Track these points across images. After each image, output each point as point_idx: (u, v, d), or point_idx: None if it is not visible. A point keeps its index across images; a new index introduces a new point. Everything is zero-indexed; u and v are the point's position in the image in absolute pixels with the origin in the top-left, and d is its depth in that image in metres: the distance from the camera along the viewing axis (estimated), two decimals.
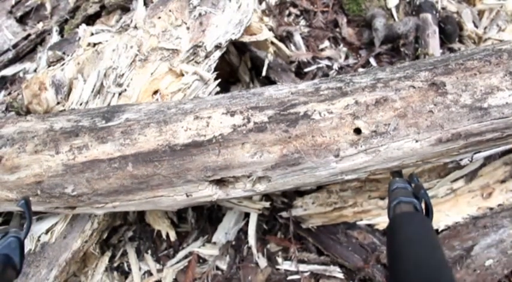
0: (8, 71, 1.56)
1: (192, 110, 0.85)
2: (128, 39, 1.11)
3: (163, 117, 0.85)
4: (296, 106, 0.80)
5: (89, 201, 0.87)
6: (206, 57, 1.11)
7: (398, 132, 0.77)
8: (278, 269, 1.31)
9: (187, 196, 0.85)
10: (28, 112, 1.16)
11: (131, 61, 1.08)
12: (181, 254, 1.34)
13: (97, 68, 1.08)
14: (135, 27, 1.12)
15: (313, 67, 1.56)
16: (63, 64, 1.13)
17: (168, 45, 1.08)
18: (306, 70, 1.56)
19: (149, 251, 1.36)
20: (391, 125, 0.77)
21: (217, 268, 1.32)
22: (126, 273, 1.33)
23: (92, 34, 1.28)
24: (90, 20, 1.56)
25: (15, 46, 1.58)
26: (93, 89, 1.08)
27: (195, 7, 1.10)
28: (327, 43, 1.63)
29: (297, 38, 1.61)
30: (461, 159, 0.93)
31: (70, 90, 1.11)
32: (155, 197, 0.86)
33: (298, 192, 1.35)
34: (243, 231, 1.36)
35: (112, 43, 1.11)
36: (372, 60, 1.58)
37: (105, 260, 1.30)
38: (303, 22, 1.67)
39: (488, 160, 1.30)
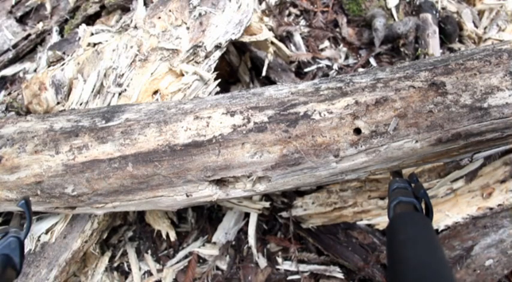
0: (8, 71, 1.56)
1: (192, 110, 0.85)
2: (128, 39, 1.11)
3: (163, 117, 0.85)
4: (296, 106, 0.80)
5: (89, 201, 0.87)
6: (206, 57, 1.11)
7: (398, 132, 0.77)
8: (278, 269, 1.31)
9: (187, 196, 0.85)
10: (28, 112, 1.16)
11: (131, 61, 1.08)
12: (181, 254, 1.34)
13: (97, 68, 1.08)
14: (135, 27, 1.12)
15: (313, 67, 1.56)
16: (63, 64, 1.13)
17: (168, 45, 1.08)
18: (306, 70, 1.56)
19: (149, 251, 1.36)
20: (391, 125, 0.76)
21: (217, 268, 1.32)
22: (126, 273, 1.33)
23: (92, 34, 1.28)
24: (90, 20, 1.56)
25: (15, 46, 1.58)
26: (93, 89, 1.08)
27: (195, 7, 1.10)
28: (327, 43, 1.63)
29: (297, 38, 1.61)
30: (461, 159, 0.93)
31: (70, 90, 1.11)
32: (155, 197, 0.86)
33: (298, 192, 1.35)
34: (243, 231, 1.36)
35: (112, 43, 1.12)
36: (372, 60, 1.57)
37: (105, 260, 1.30)
38: (303, 22, 1.67)
39: (488, 160, 1.30)
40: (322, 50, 1.62)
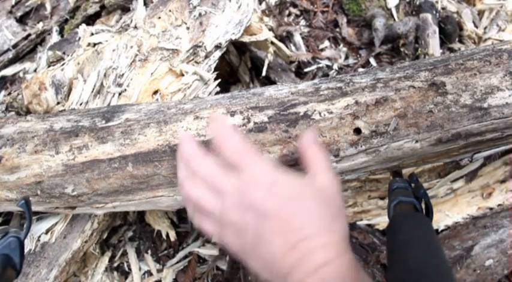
0: (8, 71, 1.56)
1: (192, 110, 0.85)
2: (128, 39, 1.11)
3: (163, 117, 0.85)
4: (296, 106, 0.80)
5: (89, 201, 0.87)
6: (206, 57, 1.11)
7: (398, 132, 0.77)
8: None
9: None
10: (28, 112, 1.16)
11: (131, 61, 1.08)
12: (181, 254, 1.34)
13: (97, 68, 1.08)
14: (135, 27, 1.12)
15: (313, 67, 1.56)
16: (63, 64, 1.13)
17: (168, 45, 1.08)
18: (306, 70, 1.56)
19: (149, 251, 1.36)
20: (391, 125, 0.76)
21: (217, 268, 1.32)
22: (126, 273, 1.33)
23: (92, 34, 1.28)
24: (90, 20, 1.56)
25: (15, 46, 1.58)
26: (93, 89, 1.08)
27: (195, 7, 1.10)
28: (327, 43, 1.63)
29: (297, 38, 1.61)
30: (461, 159, 0.93)
31: (70, 90, 1.11)
32: (155, 197, 0.86)
33: None
34: None
35: (112, 43, 1.12)
36: (372, 60, 1.58)
37: (105, 260, 1.30)
38: (303, 22, 1.67)
39: (488, 160, 1.30)
40: (322, 50, 1.62)
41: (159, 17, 1.11)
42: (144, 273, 1.33)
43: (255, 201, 0.52)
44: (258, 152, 0.59)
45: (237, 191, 0.54)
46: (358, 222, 1.29)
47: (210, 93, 1.11)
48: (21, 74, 1.54)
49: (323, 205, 0.54)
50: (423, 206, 0.78)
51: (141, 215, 1.38)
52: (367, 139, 0.78)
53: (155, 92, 1.08)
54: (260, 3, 1.63)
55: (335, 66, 1.57)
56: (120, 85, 1.07)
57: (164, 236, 1.35)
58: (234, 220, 0.53)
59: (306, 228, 0.50)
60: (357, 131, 0.78)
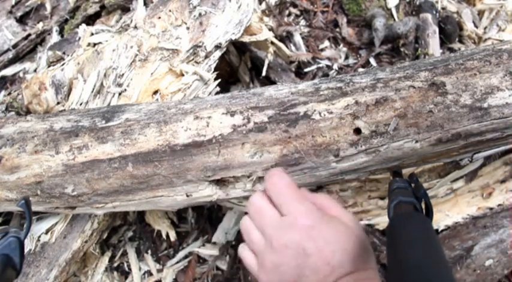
0: (8, 71, 1.56)
1: (192, 110, 0.85)
2: (128, 39, 1.11)
3: (163, 117, 0.85)
4: (296, 106, 0.80)
5: (89, 201, 0.87)
6: (206, 57, 1.11)
7: (398, 132, 0.77)
8: None
9: (187, 196, 0.85)
10: (28, 112, 1.16)
11: (131, 61, 1.08)
12: (181, 254, 1.34)
13: (97, 68, 1.08)
14: (135, 27, 1.12)
15: (313, 67, 1.56)
16: (63, 64, 1.13)
17: (168, 45, 1.08)
18: (306, 70, 1.56)
19: (149, 251, 1.36)
20: (391, 125, 0.76)
21: (217, 268, 1.32)
22: (126, 273, 1.33)
23: (92, 34, 1.28)
24: (90, 20, 1.56)
25: (15, 46, 1.58)
26: (93, 89, 1.08)
27: (195, 7, 1.10)
28: (327, 43, 1.63)
29: (297, 38, 1.61)
30: (461, 159, 0.93)
31: (70, 90, 1.11)
32: (155, 197, 0.86)
33: None
34: None
35: (112, 43, 1.12)
36: (372, 60, 1.57)
37: (105, 260, 1.30)
38: (303, 22, 1.67)
39: (488, 160, 1.30)
40: (322, 50, 1.62)
41: (159, 17, 1.11)
42: (144, 273, 1.33)
43: (297, 241, 0.58)
44: (303, 196, 0.66)
45: (280, 230, 0.61)
46: None
47: (210, 93, 1.11)
48: (21, 74, 1.54)
49: (357, 245, 0.61)
50: (423, 206, 0.78)
51: (141, 215, 1.38)
52: (367, 139, 0.78)
53: (155, 92, 1.08)
54: (260, 3, 1.63)
55: (335, 66, 1.57)
56: (120, 85, 1.07)
57: (164, 236, 1.35)
58: (275, 256, 0.59)
59: (344, 266, 0.57)
60: (357, 131, 0.78)
